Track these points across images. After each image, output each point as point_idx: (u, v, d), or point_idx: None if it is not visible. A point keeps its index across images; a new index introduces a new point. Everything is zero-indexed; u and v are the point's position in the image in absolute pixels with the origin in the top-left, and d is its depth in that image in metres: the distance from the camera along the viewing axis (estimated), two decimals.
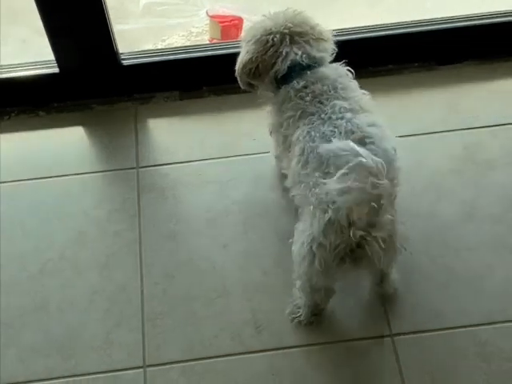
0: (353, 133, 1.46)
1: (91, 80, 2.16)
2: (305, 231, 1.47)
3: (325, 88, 1.56)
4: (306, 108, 1.56)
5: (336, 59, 2.14)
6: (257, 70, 1.65)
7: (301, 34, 1.62)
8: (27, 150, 2.12)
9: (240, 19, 2.53)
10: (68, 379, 1.67)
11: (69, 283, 1.82)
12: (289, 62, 1.61)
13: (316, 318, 1.70)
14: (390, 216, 1.40)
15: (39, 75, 2.16)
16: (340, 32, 2.18)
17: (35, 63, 2.18)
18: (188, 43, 2.55)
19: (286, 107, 1.61)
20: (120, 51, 2.13)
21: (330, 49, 1.67)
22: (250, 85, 1.74)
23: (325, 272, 1.46)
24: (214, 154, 2.06)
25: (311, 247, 1.45)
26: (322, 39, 1.64)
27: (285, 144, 1.64)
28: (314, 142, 1.49)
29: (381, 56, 2.21)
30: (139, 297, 1.78)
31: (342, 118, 1.50)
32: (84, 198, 1.98)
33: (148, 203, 1.95)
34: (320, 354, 1.68)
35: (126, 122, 2.15)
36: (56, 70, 2.12)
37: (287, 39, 1.61)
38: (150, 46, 2.50)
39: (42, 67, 2.16)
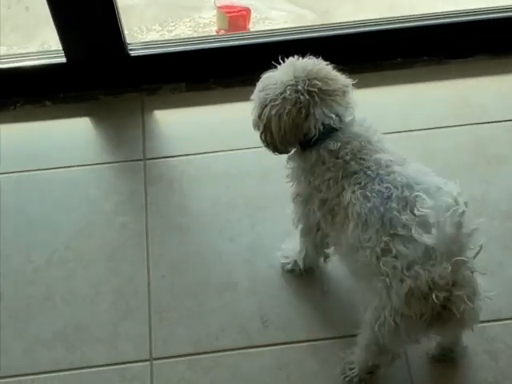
0: (411, 187, 1.37)
1: (98, 70, 2.14)
2: (383, 307, 1.36)
3: (362, 144, 1.46)
4: (348, 167, 1.44)
5: (346, 52, 2.17)
6: (287, 134, 1.49)
7: (328, 93, 1.47)
8: (33, 141, 2.11)
9: (248, 10, 2.52)
10: (73, 372, 1.66)
11: (75, 275, 1.81)
12: (321, 127, 1.46)
13: (370, 377, 1.60)
14: (470, 269, 1.34)
15: (46, 65, 2.14)
16: (350, 25, 2.19)
17: (42, 53, 2.17)
18: (195, 34, 2.54)
19: (320, 170, 1.48)
20: (128, 42, 2.11)
21: (353, 101, 1.52)
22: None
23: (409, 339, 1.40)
24: (221, 147, 2.04)
25: (394, 320, 1.35)
26: (346, 92, 1.50)
27: (323, 209, 1.51)
28: (370, 201, 1.39)
29: (390, 49, 2.19)
30: (146, 289, 1.77)
31: (393, 173, 1.41)
32: (90, 189, 1.97)
33: (155, 195, 1.94)
34: (327, 348, 1.67)
35: (133, 113, 2.14)
36: (63, 59, 2.10)
37: (316, 98, 1.45)
38: (156, 36, 2.49)
39: (49, 57, 2.15)
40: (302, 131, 1.47)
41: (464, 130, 2.05)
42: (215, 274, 1.80)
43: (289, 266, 1.78)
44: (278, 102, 1.46)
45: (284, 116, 1.45)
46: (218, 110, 2.16)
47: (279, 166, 1.97)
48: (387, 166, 1.42)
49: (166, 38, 2.53)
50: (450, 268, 1.26)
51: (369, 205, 1.39)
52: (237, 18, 2.50)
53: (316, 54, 2.14)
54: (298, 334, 1.69)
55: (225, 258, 1.83)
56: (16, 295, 1.78)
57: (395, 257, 1.32)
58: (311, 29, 2.21)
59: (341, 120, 1.47)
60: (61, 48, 2.08)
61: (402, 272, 1.30)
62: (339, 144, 1.46)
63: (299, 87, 1.45)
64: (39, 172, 2.01)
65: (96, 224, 1.89)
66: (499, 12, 2.17)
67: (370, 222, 1.38)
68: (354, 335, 1.67)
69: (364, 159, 1.44)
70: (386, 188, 1.39)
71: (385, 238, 1.34)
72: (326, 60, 2.12)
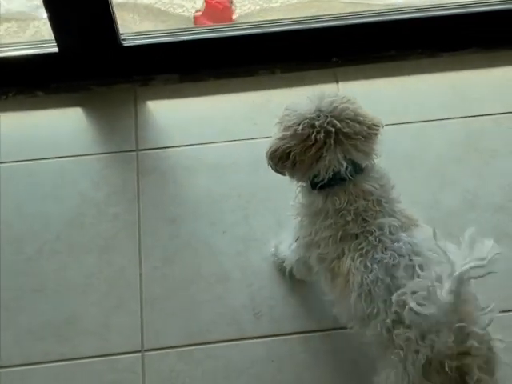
0: (418, 254, 1.31)
1: (91, 60, 2.12)
2: (402, 380, 1.29)
3: (369, 204, 1.37)
4: (348, 228, 1.36)
5: (339, 43, 2.16)
6: (289, 162, 1.39)
7: (348, 135, 1.35)
8: (25, 131, 2.09)
9: (227, 6, 2.49)
10: (64, 363, 1.66)
11: (66, 266, 1.80)
12: (331, 173, 1.36)
13: None
14: (481, 337, 1.27)
15: (38, 55, 2.12)
16: (343, 16, 2.18)
17: (34, 42, 2.15)
18: (189, 25, 2.53)
19: (322, 223, 1.40)
20: (121, 31, 2.10)
21: (376, 148, 1.42)
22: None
23: None
24: (214, 138, 2.03)
25: None
26: (371, 137, 1.39)
27: (321, 265, 1.44)
28: (371, 272, 1.32)
29: (384, 41, 2.18)
30: (138, 280, 1.77)
31: (398, 241, 1.33)
32: (82, 180, 1.96)
33: (148, 186, 1.93)
34: (319, 340, 1.68)
35: (126, 104, 2.12)
36: (55, 49, 2.08)
37: (332, 140, 1.34)
38: (149, 26, 2.48)
39: (41, 46, 2.13)
40: (311, 171, 1.38)
41: (456, 122, 2.04)
42: (207, 266, 1.80)
43: (278, 262, 1.75)
44: (288, 134, 1.37)
45: (290, 151, 1.36)
46: (211, 101, 2.15)
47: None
48: (391, 233, 1.34)
49: (160, 28, 2.51)
50: (453, 337, 1.22)
51: (371, 276, 1.31)
52: (213, 5, 2.47)
53: (310, 45, 2.17)
54: (290, 326, 1.70)
55: (217, 250, 1.83)
56: (7, 286, 1.77)
57: (408, 327, 1.25)
58: (304, 20, 2.20)
59: (355, 170, 1.37)
60: (53, 38, 2.06)
61: (416, 343, 1.24)
62: (346, 199, 1.37)
63: (317, 123, 1.35)
64: (31, 162, 1.99)
65: (87, 215, 1.89)
66: (491, 5, 2.16)
67: (376, 294, 1.31)
68: (346, 328, 1.68)
69: (367, 221, 1.36)
70: (391, 256, 1.31)
71: (395, 309, 1.27)
72: (319, 51, 2.17)
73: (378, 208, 1.37)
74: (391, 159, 1.93)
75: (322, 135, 1.34)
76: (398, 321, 1.27)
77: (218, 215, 1.88)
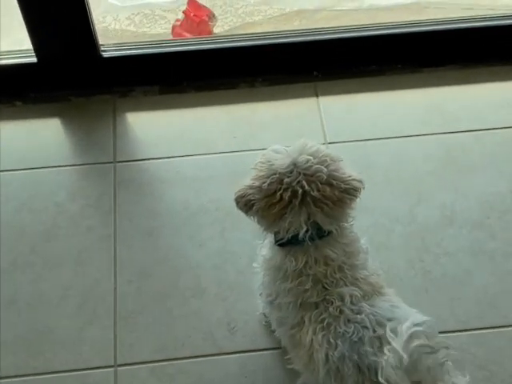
0: (381, 325, 1.25)
1: (70, 71, 2.11)
2: None
3: (330, 270, 1.31)
4: (308, 296, 1.31)
5: (320, 57, 2.16)
6: (252, 213, 1.35)
7: (316, 199, 1.28)
8: (2, 141, 2.07)
9: (204, 20, 2.49)
10: (36, 377, 1.63)
11: (40, 278, 1.78)
12: (291, 234, 1.31)
13: None
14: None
15: (16, 64, 2.11)
16: (325, 31, 2.19)
17: (12, 52, 2.13)
18: (170, 37, 2.52)
19: (281, 285, 1.35)
20: (100, 42, 2.09)
21: (348, 215, 1.36)
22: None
23: None
24: (193, 151, 2.03)
25: None
26: (343, 202, 1.32)
27: (281, 328, 1.40)
28: (336, 348, 1.26)
29: (365, 56, 2.19)
30: (112, 294, 1.75)
31: (360, 312, 1.28)
32: (58, 191, 1.94)
33: (124, 199, 1.92)
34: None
35: (104, 115, 2.11)
36: (34, 59, 2.07)
37: (297, 201, 1.28)
38: (130, 37, 2.47)
39: (20, 56, 2.11)
40: (273, 227, 1.33)
41: (434, 138, 2.05)
42: (183, 280, 1.78)
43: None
44: (256, 184, 1.32)
45: (254, 203, 1.32)
46: (190, 113, 2.14)
47: (251, 172, 1.97)
48: (352, 303, 1.29)
49: (141, 39, 2.50)
50: None
51: (336, 353, 1.26)
52: (191, 18, 2.48)
53: (291, 59, 2.17)
54: (264, 342, 1.68)
55: (194, 263, 1.82)
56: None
57: None
58: (287, 34, 2.20)
59: (319, 234, 1.31)
60: (32, 48, 2.04)
61: None
62: (304, 261, 1.31)
63: (286, 180, 1.29)
64: (6, 173, 1.97)
65: (63, 227, 1.87)
66: (471, 22, 2.17)
67: (345, 372, 1.25)
68: None
69: (327, 289, 1.30)
70: (354, 330, 1.26)
71: None
72: (300, 65, 2.17)
73: (339, 275, 1.31)
74: (369, 173, 1.95)
75: (288, 194, 1.28)
76: None
77: (195, 228, 1.87)
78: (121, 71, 2.15)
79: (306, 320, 1.30)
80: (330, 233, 1.33)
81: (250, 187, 1.33)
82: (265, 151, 1.38)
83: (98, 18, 2.08)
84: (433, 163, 1.99)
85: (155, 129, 2.11)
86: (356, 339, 1.25)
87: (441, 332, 1.64)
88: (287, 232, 1.31)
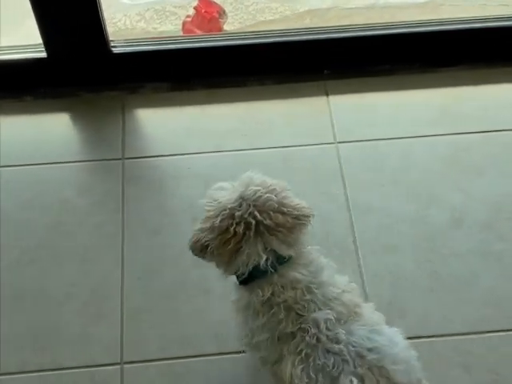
0: (362, 357, 1.23)
1: (79, 66, 2.11)
2: None
3: (299, 294, 1.28)
4: (283, 327, 1.27)
5: (331, 56, 2.15)
6: (208, 255, 1.33)
7: (269, 227, 1.27)
8: (10, 136, 2.07)
9: (215, 17, 2.49)
10: (41, 373, 1.63)
11: (46, 274, 1.78)
12: (251, 266, 1.28)
13: None
14: None
15: (26, 59, 2.11)
16: (337, 29, 2.18)
17: (23, 47, 2.13)
18: (180, 33, 2.52)
19: (254, 322, 1.32)
20: (111, 38, 2.08)
21: (304, 238, 1.34)
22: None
23: None
24: (202, 148, 2.02)
25: None
26: (296, 228, 1.31)
27: (265, 367, 1.37)
28: (317, 382, 1.23)
29: (375, 56, 2.18)
30: (119, 291, 1.75)
31: (338, 341, 1.24)
32: (66, 187, 1.94)
33: (132, 196, 1.91)
34: None
35: (114, 111, 2.11)
36: (44, 54, 2.07)
37: (251, 232, 1.27)
38: (140, 33, 2.47)
39: (30, 51, 2.11)
40: (232, 265, 1.31)
41: (444, 139, 2.04)
42: (190, 278, 1.78)
43: None
44: (206, 226, 1.31)
45: (208, 244, 1.30)
46: (199, 110, 2.14)
47: (260, 170, 1.96)
48: (328, 329, 1.25)
49: (151, 35, 2.50)
50: None
51: None
52: (202, 14, 2.48)
53: (301, 57, 2.16)
54: None
55: (201, 262, 1.79)
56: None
57: None
58: (297, 32, 2.20)
59: (279, 261, 1.28)
60: (41, 42, 2.04)
61: None
62: (271, 290, 1.28)
63: (237, 214, 1.27)
64: (14, 168, 1.98)
65: (70, 223, 1.86)
66: (485, 22, 2.16)
67: None
68: None
69: (301, 316, 1.27)
70: (334, 363, 1.23)
71: None
72: (310, 63, 2.16)
73: (309, 296, 1.28)
74: (378, 173, 1.95)
75: (241, 227, 1.27)
76: None
77: None
78: (130, 67, 2.14)
79: (285, 352, 1.28)
80: (289, 258, 1.31)
81: (202, 230, 1.32)
82: (209, 191, 1.37)
83: (109, 14, 2.07)
84: (442, 164, 1.98)
85: (164, 126, 2.10)
86: (336, 374, 1.23)
87: (449, 334, 1.67)
88: (247, 265, 1.29)
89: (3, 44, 2.15)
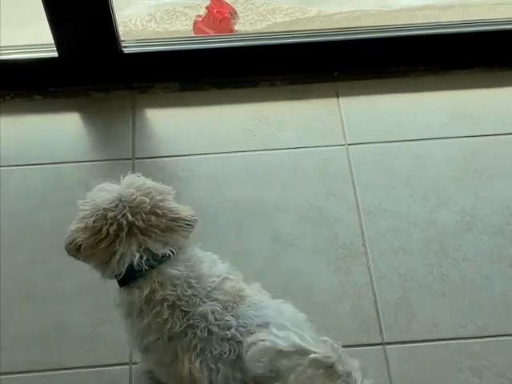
0: (253, 334, 1.24)
1: (90, 66, 2.11)
2: None
3: (179, 290, 1.28)
4: (171, 327, 1.27)
5: (343, 58, 2.15)
6: (82, 256, 1.34)
7: (142, 228, 1.29)
8: (21, 135, 2.08)
9: (227, 17, 2.49)
10: (50, 373, 1.63)
11: (56, 274, 1.78)
12: (126, 266, 1.29)
13: None
14: None
15: (37, 59, 2.11)
16: (349, 31, 2.17)
17: (34, 46, 2.13)
18: (191, 34, 2.52)
19: (140, 323, 1.31)
20: (121, 39, 2.08)
21: (182, 238, 1.34)
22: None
23: None
24: (211, 149, 2.02)
25: None
26: (174, 230, 1.33)
27: (161, 369, 1.36)
28: (219, 371, 1.24)
29: (387, 57, 2.17)
30: None
31: (228, 327, 1.26)
32: (76, 187, 1.93)
33: None
34: None
35: (124, 111, 2.11)
36: (55, 54, 2.07)
37: (124, 233, 1.28)
38: (151, 33, 2.47)
39: (41, 51, 2.11)
40: (108, 268, 1.31)
41: (456, 142, 2.03)
42: None
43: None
44: (81, 226, 1.31)
45: (81, 244, 1.30)
46: (210, 111, 2.14)
47: (269, 172, 1.97)
48: (217, 319, 1.27)
49: (162, 35, 2.50)
50: None
51: (220, 377, 1.24)
52: (214, 14, 2.48)
53: (312, 59, 2.15)
54: None
55: None
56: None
57: None
58: (308, 33, 2.19)
59: (156, 259, 1.29)
60: (53, 42, 2.04)
61: None
62: (149, 287, 1.28)
63: (110, 214, 1.29)
64: (25, 167, 1.98)
65: None
66: (497, 24, 2.15)
67: None
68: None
69: (187, 312, 1.28)
70: (230, 348, 1.24)
71: None
72: (321, 64, 2.16)
73: (190, 291, 1.29)
74: (389, 176, 1.94)
75: (114, 228, 1.28)
76: None
77: (212, 228, 1.86)
78: (141, 67, 2.15)
79: (180, 351, 1.27)
80: (169, 256, 1.31)
81: (77, 230, 1.32)
82: (89, 192, 1.39)
83: (120, 14, 2.07)
84: (454, 167, 1.97)
85: (174, 126, 2.10)
86: (234, 357, 1.24)
87: (460, 338, 1.66)
88: (122, 265, 1.29)
89: (15, 43, 2.15)
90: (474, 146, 2.01)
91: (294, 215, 1.88)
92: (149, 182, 1.38)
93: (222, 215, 1.88)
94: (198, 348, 1.26)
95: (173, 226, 1.32)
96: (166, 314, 1.28)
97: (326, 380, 1.18)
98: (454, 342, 1.67)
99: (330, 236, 1.84)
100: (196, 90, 2.16)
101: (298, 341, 1.21)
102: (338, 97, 2.13)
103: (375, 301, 1.73)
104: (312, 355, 1.18)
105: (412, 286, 1.75)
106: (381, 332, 1.68)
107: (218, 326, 1.26)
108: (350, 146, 2.01)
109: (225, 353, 1.24)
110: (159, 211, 1.32)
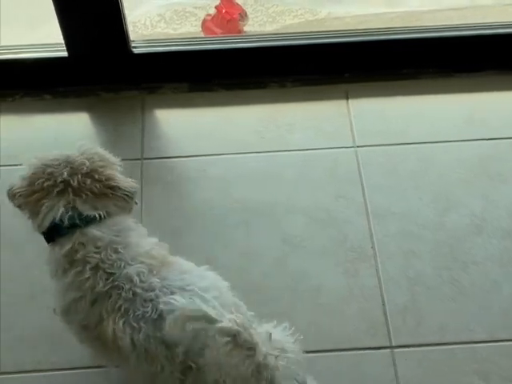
0: (174, 294, 1.27)
1: (100, 66, 2.11)
2: None
3: (103, 253, 1.31)
4: (93, 286, 1.30)
5: (353, 60, 2.14)
6: (16, 203, 1.39)
7: (76, 189, 1.34)
8: (30, 134, 2.08)
9: (235, 19, 2.49)
10: (56, 372, 1.63)
11: None
12: (50, 220, 1.34)
13: None
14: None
15: (47, 58, 2.11)
16: (358, 33, 2.17)
17: (44, 45, 2.14)
18: (200, 34, 2.52)
19: (63, 280, 1.34)
20: (131, 39, 2.08)
21: (116, 208, 1.38)
22: None
23: None
24: (220, 150, 2.02)
25: None
26: (107, 196, 1.37)
27: (86, 333, 1.37)
28: (140, 330, 1.27)
29: (398, 60, 2.16)
30: None
31: (152, 289, 1.29)
32: None
33: (151, 196, 1.91)
34: (318, 361, 1.64)
35: (133, 111, 2.11)
36: (65, 53, 2.07)
37: (56, 189, 1.34)
38: (161, 34, 2.48)
39: (51, 50, 2.12)
40: (37, 219, 1.37)
41: (466, 145, 2.02)
42: None
43: None
44: (24, 175, 1.38)
45: (18, 192, 1.37)
46: (219, 112, 2.13)
47: (278, 173, 1.97)
48: (142, 281, 1.30)
49: (171, 36, 2.50)
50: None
51: (141, 336, 1.27)
52: (222, 14, 2.49)
53: (322, 60, 2.15)
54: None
55: (218, 264, 1.78)
56: (2, 291, 1.75)
57: (199, 369, 1.23)
58: (318, 34, 2.19)
59: (82, 220, 1.33)
60: (63, 42, 2.05)
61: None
62: (70, 245, 1.32)
63: (48, 170, 1.36)
64: None
65: None
66: (508, 27, 2.14)
67: (153, 352, 1.27)
68: (346, 349, 1.66)
69: (112, 274, 1.30)
70: (152, 308, 1.27)
71: (181, 358, 1.25)
72: (331, 66, 2.15)
73: (115, 256, 1.32)
74: (398, 178, 1.93)
75: (49, 183, 1.35)
76: (189, 367, 1.25)
77: (221, 229, 1.86)
78: (151, 68, 2.14)
79: (104, 313, 1.30)
80: (96, 220, 1.34)
81: (20, 179, 1.39)
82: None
83: (130, 14, 2.07)
84: (463, 170, 1.96)
85: (183, 126, 2.10)
86: (156, 316, 1.27)
87: (468, 342, 1.65)
88: (47, 218, 1.34)
89: (25, 42, 2.15)
90: (485, 150, 2.00)
91: (302, 217, 1.87)
92: (100, 151, 1.44)
93: (231, 216, 1.88)
94: (122, 309, 1.29)
95: (107, 193, 1.37)
96: (87, 274, 1.31)
97: (230, 347, 1.18)
98: (462, 346, 1.66)
99: (339, 238, 1.83)
100: (205, 91, 2.16)
101: (204, 307, 1.21)
102: (347, 99, 2.12)
103: (383, 304, 1.72)
104: (218, 324, 1.19)
105: (420, 289, 1.75)
106: (389, 335, 1.67)
107: (143, 287, 1.29)
108: (359, 148, 2.01)
109: (147, 312, 1.27)
110: (96, 176, 1.37)
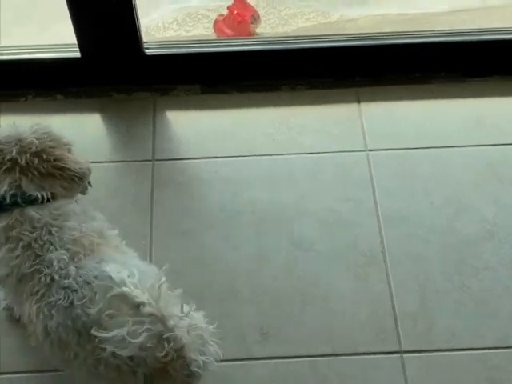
0: (88, 283, 1.28)
1: (112, 67, 2.12)
2: None
3: (36, 233, 1.33)
4: (20, 265, 1.32)
5: (363, 63, 2.14)
6: None
7: (23, 167, 1.37)
8: None
9: (245, 20, 2.49)
10: (61, 373, 1.61)
11: None
12: None
13: None
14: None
15: (60, 58, 2.12)
16: (370, 37, 2.16)
17: (57, 46, 2.14)
18: (213, 36, 2.52)
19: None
20: (144, 40, 2.09)
21: (62, 189, 1.40)
22: None
23: None
24: (231, 152, 2.02)
25: None
26: (52, 178, 1.39)
27: (18, 305, 1.39)
28: (52, 318, 1.28)
29: (408, 63, 2.16)
30: None
31: (69, 276, 1.29)
32: (96, 187, 1.92)
33: (161, 197, 1.91)
34: (326, 365, 1.64)
35: (145, 112, 2.11)
36: (77, 54, 2.08)
37: (4, 167, 1.37)
38: (173, 35, 2.48)
39: (64, 51, 2.12)
40: None
41: (476, 150, 2.01)
42: (217, 281, 1.77)
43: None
44: None
45: None
46: (230, 114, 2.13)
47: (289, 176, 1.97)
48: (61, 268, 1.31)
49: (184, 37, 2.51)
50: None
51: (53, 323, 1.27)
52: (233, 15, 2.50)
53: (334, 63, 2.14)
54: (297, 349, 1.66)
55: (228, 266, 1.80)
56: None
57: (115, 356, 1.22)
58: (330, 38, 2.18)
59: (25, 199, 1.35)
60: (76, 42, 2.05)
61: (128, 366, 1.24)
62: (6, 222, 1.33)
63: (1, 146, 1.38)
64: None
65: None
66: None
67: (66, 339, 1.27)
68: (355, 354, 1.65)
69: (39, 256, 1.32)
70: (64, 296, 1.28)
71: (91, 346, 1.24)
72: (343, 69, 2.15)
73: (47, 237, 1.33)
74: (409, 183, 1.93)
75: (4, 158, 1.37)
76: (100, 357, 1.24)
77: (231, 231, 1.86)
78: (163, 69, 2.15)
79: (25, 296, 1.32)
80: (38, 200, 1.36)
81: None
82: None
83: (144, 18, 2.07)
84: (474, 175, 1.96)
85: (195, 128, 2.10)
86: (66, 304, 1.28)
87: (478, 348, 1.64)
88: None
89: (38, 43, 2.16)
90: (496, 154, 2.00)
91: (313, 219, 1.87)
92: (53, 131, 1.45)
93: (241, 218, 1.88)
94: (39, 294, 1.30)
95: (55, 173, 1.39)
96: (18, 252, 1.32)
97: (129, 315, 1.19)
98: (473, 352, 1.66)
99: (349, 242, 1.83)
100: (217, 93, 2.16)
101: (115, 275, 1.22)
102: (359, 102, 2.12)
103: (393, 309, 1.72)
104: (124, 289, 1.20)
105: (431, 294, 1.74)
106: (399, 340, 1.67)
107: (60, 274, 1.30)
108: (370, 152, 2.00)
109: (59, 299, 1.28)
110: (44, 156, 1.38)
